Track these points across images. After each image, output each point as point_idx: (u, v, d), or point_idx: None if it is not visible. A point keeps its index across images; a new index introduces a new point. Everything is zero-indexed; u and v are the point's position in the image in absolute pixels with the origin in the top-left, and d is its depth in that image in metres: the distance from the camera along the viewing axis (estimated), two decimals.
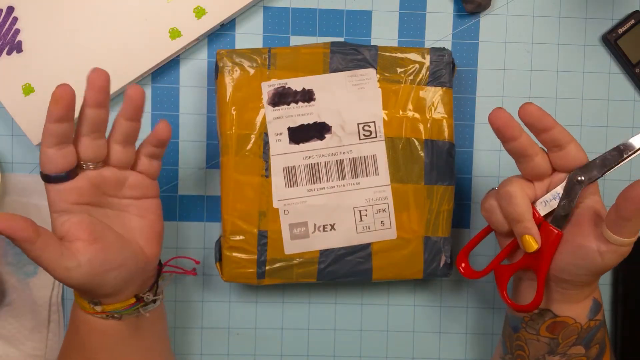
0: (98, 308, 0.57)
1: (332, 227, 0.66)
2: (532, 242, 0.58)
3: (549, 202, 0.58)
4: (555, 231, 0.57)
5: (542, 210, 0.58)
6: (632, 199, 0.52)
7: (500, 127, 0.57)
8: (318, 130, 0.66)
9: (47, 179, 0.54)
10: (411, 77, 0.67)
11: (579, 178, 0.57)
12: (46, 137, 0.53)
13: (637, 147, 0.57)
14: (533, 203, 0.59)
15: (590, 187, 0.58)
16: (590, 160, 0.57)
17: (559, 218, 0.58)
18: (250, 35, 0.71)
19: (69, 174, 0.54)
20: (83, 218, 0.55)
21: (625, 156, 0.57)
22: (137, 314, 0.60)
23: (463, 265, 0.63)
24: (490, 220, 0.60)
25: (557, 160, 0.58)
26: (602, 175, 0.57)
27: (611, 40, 0.71)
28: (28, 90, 0.68)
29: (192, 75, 0.71)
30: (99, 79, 0.53)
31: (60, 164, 0.54)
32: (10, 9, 0.67)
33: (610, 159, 0.57)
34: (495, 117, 0.57)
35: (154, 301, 0.61)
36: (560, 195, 0.58)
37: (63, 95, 0.52)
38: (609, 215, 0.54)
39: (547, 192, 0.59)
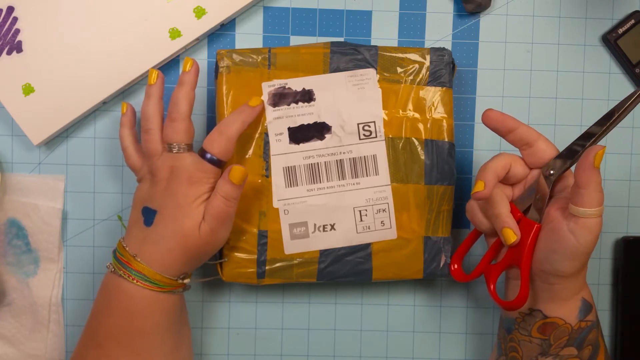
0: (187, 280, 0.62)
1: (332, 227, 0.66)
2: (510, 234, 0.60)
3: (525, 199, 0.61)
4: (533, 224, 0.60)
5: (521, 207, 0.61)
6: (585, 166, 0.55)
7: (496, 125, 0.61)
8: (318, 130, 0.66)
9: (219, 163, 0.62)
10: (411, 77, 0.67)
11: (550, 172, 0.60)
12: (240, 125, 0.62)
13: (599, 133, 0.59)
14: (512, 201, 0.62)
15: (564, 178, 0.60)
16: (558, 153, 0.60)
17: (536, 212, 0.60)
18: (250, 35, 0.71)
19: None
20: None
21: (588, 143, 0.59)
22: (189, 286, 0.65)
23: (455, 267, 0.66)
24: (473, 220, 0.64)
25: (529, 158, 0.61)
26: (570, 166, 0.60)
27: (611, 40, 0.71)
28: (28, 90, 0.68)
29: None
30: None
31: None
32: (10, 9, 0.67)
33: (576, 148, 0.59)
34: (487, 117, 0.61)
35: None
36: (535, 190, 0.60)
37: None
38: (571, 191, 0.57)
39: (524, 189, 0.62)
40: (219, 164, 0.61)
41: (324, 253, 0.67)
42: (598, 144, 0.62)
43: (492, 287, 0.61)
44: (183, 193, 0.60)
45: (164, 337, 0.61)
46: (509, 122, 0.61)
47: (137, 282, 0.59)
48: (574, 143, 0.59)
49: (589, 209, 0.56)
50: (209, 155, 0.61)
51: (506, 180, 0.62)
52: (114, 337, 0.60)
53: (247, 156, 0.66)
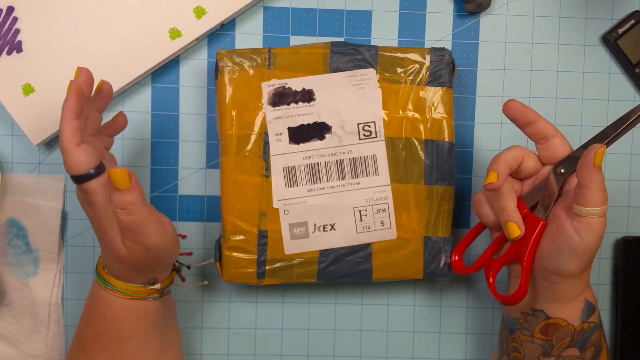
0: (157, 286, 0.60)
1: (332, 227, 0.66)
2: (514, 228, 0.60)
3: (534, 195, 0.61)
4: (539, 221, 0.60)
5: (528, 203, 0.61)
6: (585, 165, 0.55)
7: (516, 116, 0.61)
8: (318, 130, 0.66)
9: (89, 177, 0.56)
10: (411, 77, 0.67)
11: (561, 170, 0.60)
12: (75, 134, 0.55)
13: (613, 134, 0.59)
14: (520, 197, 0.62)
15: (573, 177, 0.60)
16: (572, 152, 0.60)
17: (543, 209, 0.60)
18: (250, 35, 0.71)
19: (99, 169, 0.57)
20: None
21: (603, 143, 0.59)
22: (169, 289, 0.64)
23: (456, 258, 0.66)
24: (479, 213, 0.63)
25: (543, 152, 0.61)
26: None
27: (611, 40, 0.71)
28: (28, 90, 0.68)
29: (192, 75, 0.71)
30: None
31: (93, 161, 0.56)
32: (10, 9, 0.67)
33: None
34: (508, 107, 0.61)
35: (178, 272, 0.66)
36: (544, 187, 0.60)
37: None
38: (575, 191, 0.57)
39: (533, 186, 0.62)
40: (91, 176, 0.56)
41: (324, 253, 0.67)
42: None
43: (491, 280, 0.61)
44: (90, 218, 0.59)
45: (145, 342, 0.61)
46: (529, 114, 0.60)
47: (109, 290, 0.60)
48: (587, 144, 0.59)
49: (592, 209, 0.55)
50: (73, 177, 0.56)
51: (517, 174, 0.62)
52: (96, 341, 0.61)
53: (246, 156, 0.66)
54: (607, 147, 0.59)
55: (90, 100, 0.60)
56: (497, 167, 0.59)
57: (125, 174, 0.54)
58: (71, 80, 0.56)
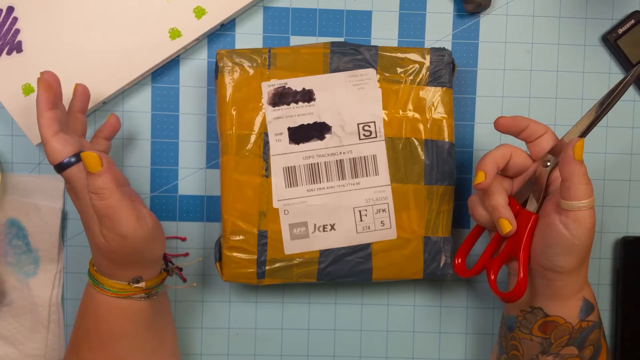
0: (142, 285, 0.60)
1: (332, 227, 0.66)
2: (506, 224, 0.60)
3: (525, 191, 0.62)
4: (531, 215, 0.60)
5: (521, 199, 0.62)
6: (565, 160, 0.56)
7: (509, 129, 0.62)
8: (318, 130, 0.66)
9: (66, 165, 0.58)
10: (411, 77, 0.67)
11: (547, 163, 0.60)
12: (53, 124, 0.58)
13: (596, 118, 0.59)
14: (512, 194, 0.63)
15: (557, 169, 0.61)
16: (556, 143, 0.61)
17: (535, 203, 0.61)
18: (250, 35, 0.71)
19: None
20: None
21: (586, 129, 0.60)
22: (161, 289, 0.63)
23: (459, 261, 0.66)
24: (474, 215, 0.64)
25: (531, 148, 0.62)
26: None
27: (611, 40, 0.71)
28: (28, 90, 0.68)
29: (192, 75, 0.71)
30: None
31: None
32: (10, 9, 0.67)
33: (573, 136, 0.60)
34: (499, 125, 0.62)
35: (169, 274, 0.65)
36: (534, 181, 0.61)
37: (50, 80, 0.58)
38: (560, 186, 0.57)
39: (525, 182, 0.62)
40: (70, 164, 0.58)
41: (324, 253, 0.67)
42: (588, 136, 0.63)
43: (492, 277, 0.61)
44: (77, 209, 0.60)
45: (137, 343, 0.61)
46: (519, 122, 0.61)
47: (97, 287, 0.60)
48: (567, 135, 0.60)
49: (577, 202, 0.56)
50: (55, 167, 0.58)
51: (506, 171, 0.62)
52: (87, 340, 0.61)
53: (246, 156, 0.66)
54: (590, 131, 0.60)
55: (70, 103, 0.63)
56: (484, 167, 0.60)
57: (96, 158, 0.55)
58: (38, 79, 0.58)
